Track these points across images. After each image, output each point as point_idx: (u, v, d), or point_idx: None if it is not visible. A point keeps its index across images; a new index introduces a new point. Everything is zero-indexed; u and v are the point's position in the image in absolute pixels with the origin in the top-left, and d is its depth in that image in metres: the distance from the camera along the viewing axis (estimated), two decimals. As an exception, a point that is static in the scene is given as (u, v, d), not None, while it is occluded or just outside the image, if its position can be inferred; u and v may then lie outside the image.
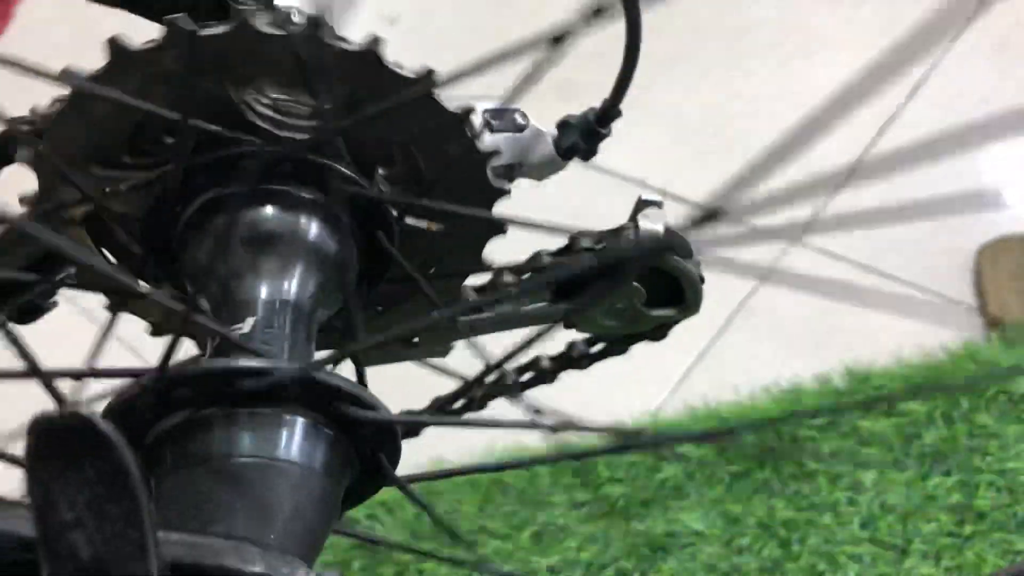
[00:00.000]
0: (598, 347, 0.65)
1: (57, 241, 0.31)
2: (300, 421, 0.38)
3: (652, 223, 0.58)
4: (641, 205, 0.59)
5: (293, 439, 0.38)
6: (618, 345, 0.64)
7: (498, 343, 0.56)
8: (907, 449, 1.11)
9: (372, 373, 0.51)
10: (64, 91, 0.44)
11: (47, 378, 0.35)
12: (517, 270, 0.61)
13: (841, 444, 1.13)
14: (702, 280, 0.61)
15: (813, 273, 1.43)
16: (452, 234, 0.53)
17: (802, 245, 1.48)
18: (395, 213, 0.49)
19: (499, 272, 0.60)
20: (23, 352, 0.34)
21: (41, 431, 0.27)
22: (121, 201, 0.47)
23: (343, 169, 0.46)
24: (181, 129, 0.42)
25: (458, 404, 0.70)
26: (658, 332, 0.63)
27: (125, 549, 0.28)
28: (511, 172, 0.62)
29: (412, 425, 0.41)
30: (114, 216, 0.46)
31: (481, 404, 0.71)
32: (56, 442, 0.27)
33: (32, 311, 0.62)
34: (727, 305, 1.37)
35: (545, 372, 0.66)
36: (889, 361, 1.20)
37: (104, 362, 0.56)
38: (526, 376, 0.67)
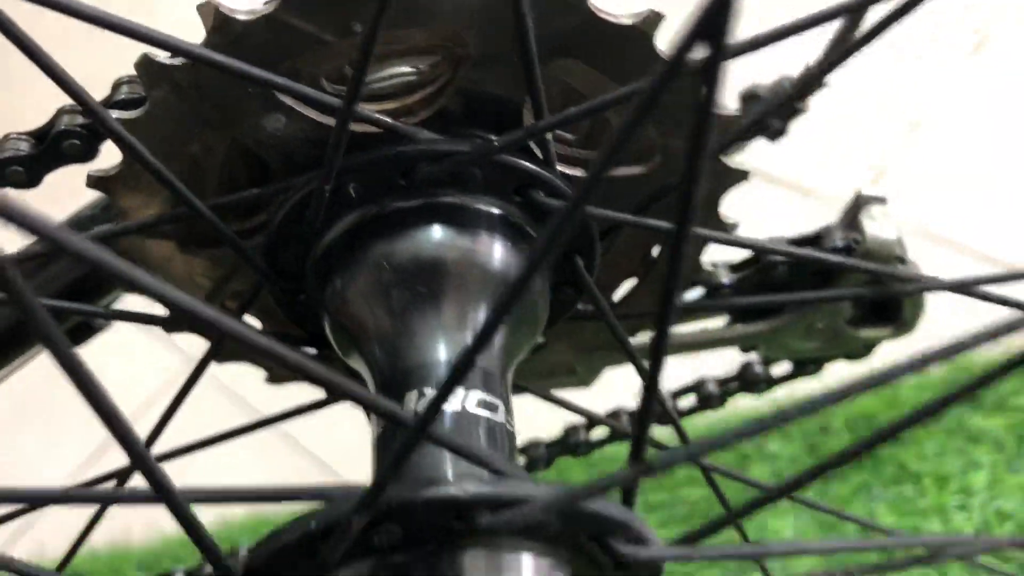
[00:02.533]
0: (782, 369, 0.53)
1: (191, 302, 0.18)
2: (538, 562, 0.26)
3: (881, 228, 0.45)
4: (861, 202, 0.46)
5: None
6: (809, 366, 0.52)
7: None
8: (1022, 448, 1.00)
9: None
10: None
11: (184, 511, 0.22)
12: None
13: (947, 442, 1.02)
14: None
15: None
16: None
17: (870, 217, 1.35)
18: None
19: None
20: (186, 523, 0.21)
21: None
22: (236, 220, 0.34)
23: (550, 175, 0.33)
24: (343, 117, 0.28)
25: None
26: (860, 352, 0.51)
27: None
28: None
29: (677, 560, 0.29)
30: (227, 238, 0.33)
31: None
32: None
33: (83, 330, 0.49)
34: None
35: (711, 397, 0.54)
36: (990, 347, 1.09)
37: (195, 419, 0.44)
38: (687, 402, 0.55)
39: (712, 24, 0.16)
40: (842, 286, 0.47)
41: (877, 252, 0.45)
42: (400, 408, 0.27)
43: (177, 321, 0.38)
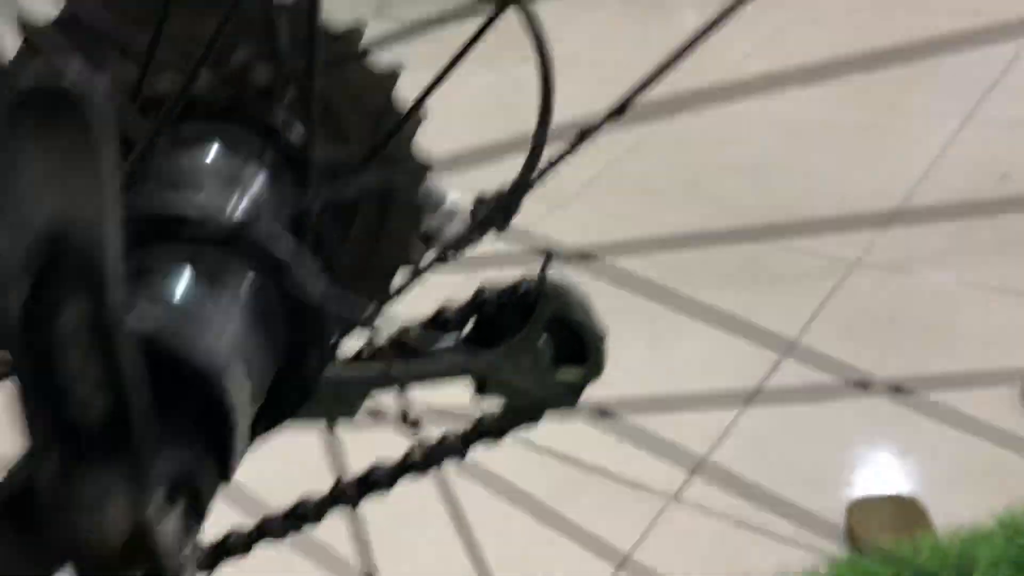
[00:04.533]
0: (509, 416, 0.65)
1: None
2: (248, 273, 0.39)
3: (560, 276, 0.61)
4: (549, 259, 0.63)
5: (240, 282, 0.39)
6: (530, 413, 0.64)
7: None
8: None
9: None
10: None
11: None
12: (425, 324, 0.62)
13: None
14: (604, 337, 0.63)
15: (690, 529, 1.44)
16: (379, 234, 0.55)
17: (678, 502, 1.50)
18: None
19: (405, 329, 0.63)
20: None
21: (23, 93, 0.27)
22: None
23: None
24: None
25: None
26: (567, 399, 0.64)
27: (86, 214, 0.27)
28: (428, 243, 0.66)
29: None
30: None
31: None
32: (37, 102, 0.27)
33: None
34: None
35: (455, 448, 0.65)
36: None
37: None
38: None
39: None
40: (536, 326, 0.61)
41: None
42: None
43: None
